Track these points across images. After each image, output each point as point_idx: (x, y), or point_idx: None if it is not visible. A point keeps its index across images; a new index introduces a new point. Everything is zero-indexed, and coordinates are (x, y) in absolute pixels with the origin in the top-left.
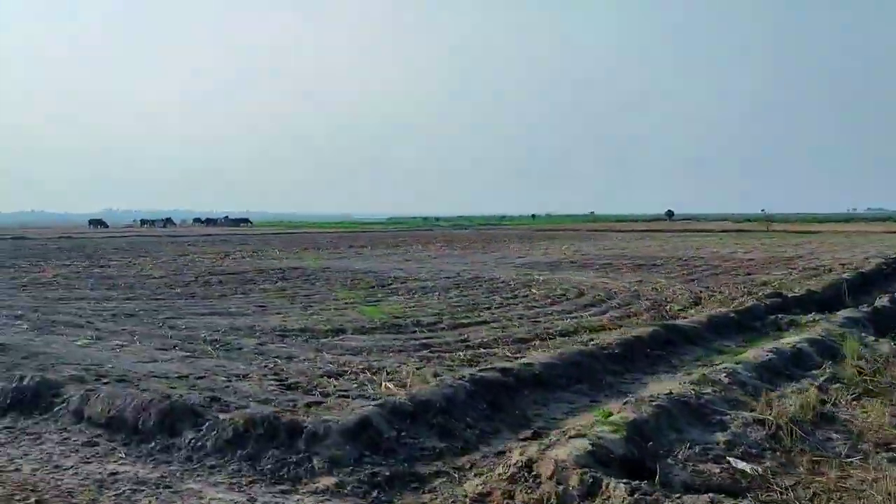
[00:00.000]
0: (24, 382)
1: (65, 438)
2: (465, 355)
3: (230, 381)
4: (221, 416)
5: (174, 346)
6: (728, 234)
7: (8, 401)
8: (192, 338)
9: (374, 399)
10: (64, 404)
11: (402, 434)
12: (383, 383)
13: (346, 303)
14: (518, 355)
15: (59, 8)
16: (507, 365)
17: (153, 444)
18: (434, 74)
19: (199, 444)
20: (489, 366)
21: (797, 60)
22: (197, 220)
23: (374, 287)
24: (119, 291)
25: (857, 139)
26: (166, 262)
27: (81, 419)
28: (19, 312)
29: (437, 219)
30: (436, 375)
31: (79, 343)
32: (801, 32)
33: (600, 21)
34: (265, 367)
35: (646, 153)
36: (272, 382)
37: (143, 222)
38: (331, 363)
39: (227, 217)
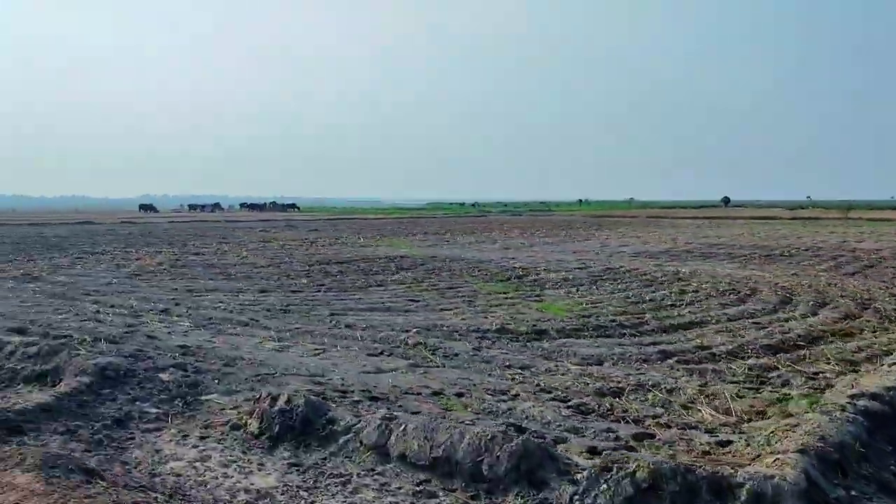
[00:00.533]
0: (282, 404)
1: (384, 485)
2: (739, 369)
3: (503, 401)
4: (579, 460)
5: (381, 352)
6: (801, 221)
7: (276, 428)
8: (387, 340)
9: (701, 429)
10: (351, 435)
11: (852, 493)
12: (703, 410)
13: (504, 297)
14: (801, 369)
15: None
16: (875, 391)
17: (516, 498)
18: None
19: (587, 501)
20: (860, 391)
21: (810, 48)
22: (244, 204)
23: (510, 279)
24: (243, 283)
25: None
26: (256, 250)
27: (387, 457)
28: (162, 307)
29: (475, 204)
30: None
31: (269, 347)
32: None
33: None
34: (514, 380)
35: (683, 142)
36: (556, 403)
37: (192, 207)
38: (586, 376)
39: (273, 202)
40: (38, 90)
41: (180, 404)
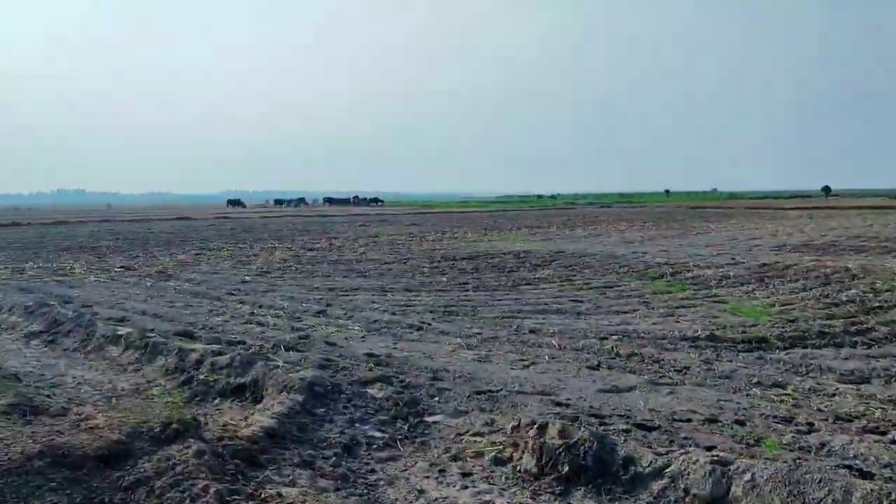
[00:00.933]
0: (556, 436)
1: None
2: None
3: (802, 432)
4: None
5: (598, 364)
6: None
7: (564, 467)
8: (591, 349)
9: None
10: (665, 480)
11: None
12: None
13: (680, 298)
14: None
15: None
16: None
17: None
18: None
19: None
20: None
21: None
22: (327, 199)
23: (664, 276)
24: (381, 280)
25: None
26: (369, 245)
27: None
28: (315, 308)
29: (553, 196)
30: None
31: (466, 356)
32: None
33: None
34: (783, 402)
35: (756, 132)
36: (874, 437)
37: (278, 202)
38: (869, 398)
39: (356, 196)
40: (121, 90)
41: (405, 427)
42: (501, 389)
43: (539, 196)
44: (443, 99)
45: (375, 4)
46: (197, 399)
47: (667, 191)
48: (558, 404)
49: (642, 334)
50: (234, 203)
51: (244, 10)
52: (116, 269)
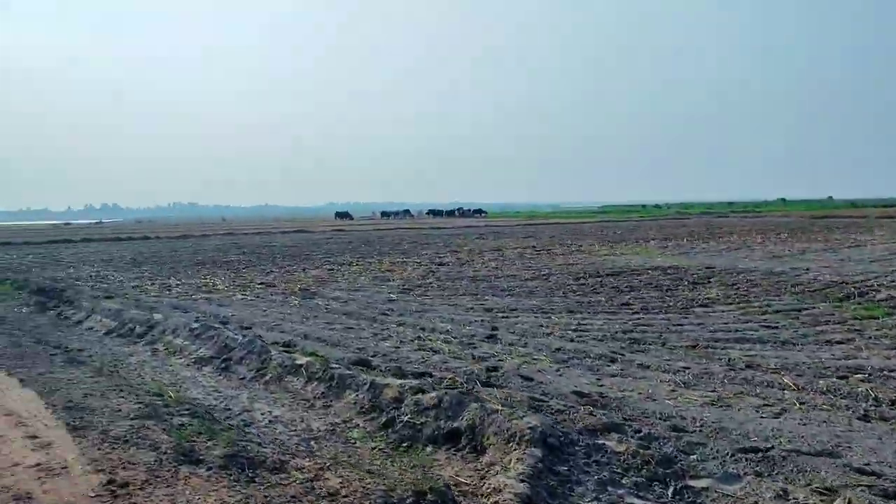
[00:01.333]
0: None
1: None
2: None
3: None
4: None
5: (867, 414)
6: None
7: None
8: (837, 391)
9: None
10: None
11: None
12: None
13: (893, 325)
14: None
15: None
16: None
17: None
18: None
19: None
20: None
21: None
22: (431, 211)
23: (850, 298)
24: (534, 300)
25: None
26: (499, 259)
27: None
28: (482, 332)
29: (658, 206)
30: None
31: (695, 399)
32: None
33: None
34: None
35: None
36: None
37: (385, 214)
38: None
39: (461, 208)
40: (224, 111)
41: (667, 493)
42: (772, 447)
43: (644, 206)
44: (530, 113)
45: (473, 13)
46: (404, 445)
47: (783, 199)
48: (860, 472)
49: (886, 372)
50: (342, 215)
51: (346, 24)
52: (258, 286)
